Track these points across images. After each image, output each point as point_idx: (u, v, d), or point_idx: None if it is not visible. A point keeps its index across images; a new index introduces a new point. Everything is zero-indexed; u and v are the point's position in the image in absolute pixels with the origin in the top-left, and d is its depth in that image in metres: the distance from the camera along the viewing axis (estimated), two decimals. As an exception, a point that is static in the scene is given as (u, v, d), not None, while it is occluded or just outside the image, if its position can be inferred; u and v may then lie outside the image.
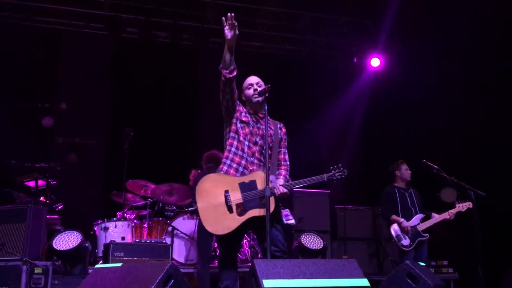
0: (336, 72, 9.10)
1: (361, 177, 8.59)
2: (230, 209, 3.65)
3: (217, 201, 3.66)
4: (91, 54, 8.15)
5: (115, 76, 8.29)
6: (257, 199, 3.64)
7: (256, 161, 3.82)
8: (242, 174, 3.78)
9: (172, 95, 8.44)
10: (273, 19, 8.55)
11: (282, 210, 3.89)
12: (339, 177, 3.87)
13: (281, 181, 3.86)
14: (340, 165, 3.90)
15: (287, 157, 4.04)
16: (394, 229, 5.97)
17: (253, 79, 4.00)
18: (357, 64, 9.24)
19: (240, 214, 3.64)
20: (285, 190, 3.73)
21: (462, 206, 5.79)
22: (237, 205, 3.66)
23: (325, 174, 3.87)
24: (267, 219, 3.42)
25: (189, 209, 5.39)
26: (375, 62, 9.09)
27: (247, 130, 3.87)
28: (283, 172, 3.95)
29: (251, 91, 3.93)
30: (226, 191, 3.68)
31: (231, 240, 3.78)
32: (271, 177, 3.78)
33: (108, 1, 7.92)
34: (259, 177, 3.71)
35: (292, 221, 3.91)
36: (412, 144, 7.77)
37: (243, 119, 3.89)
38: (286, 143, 4.06)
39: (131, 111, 8.11)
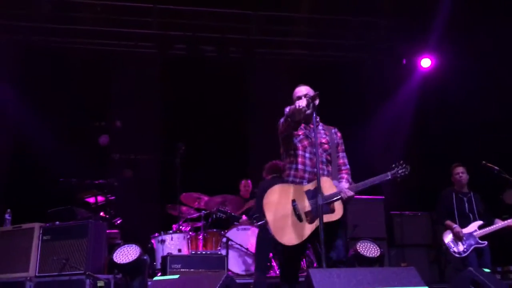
0: (385, 75, 8.92)
1: (416, 181, 8.33)
2: (299, 218, 3.64)
3: (285, 211, 3.66)
4: (142, 72, 8.44)
5: (166, 92, 8.53)
6: (325, 205, 3.58)
7: (319, 171, 3.76)
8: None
9: (221, 108, 8.57)
10: (318, 26, 8.51)
11: None
12: (402, 174, 3.79)
13: (345, 184, 3.80)
14: (401, 161, 3.82)
15: (346, 161, 3.98)
16: (446, 235, 5.75)
17: (301, 90, 3.95)
18: (406, 65, 9.03)
19: (311, 221, 3.61)
20: (352, 193, 3.68)
21: None
22: (306, 213, 3.64)
23: (389, 172, 3.80)
24: (320, 227, 3.37)
25: (259, 223, 5.39)
26: (425, 62, 8.85)
27: (305, 142, 3.84)
28: (345, 176, 3.89)
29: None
30: (293, 201, 3.67)
31: (298, 250, 3.74)
32: (334, 182, 3.75)
33: (156, 20, 8.17)
34: (324, 182, 3.66)
35: None
36: (469, 145, 7.48)
37: (299, 133, 3.87)
38: (343, 147, 4.00)
39: (182, 125, 8.31)
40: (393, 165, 3.81)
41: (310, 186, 3.71)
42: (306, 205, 3.65)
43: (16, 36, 8.03)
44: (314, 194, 3.64)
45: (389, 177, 3.78)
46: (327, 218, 3.54)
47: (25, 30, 7.97)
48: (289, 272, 3.84)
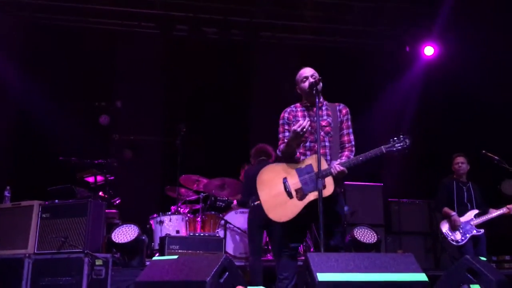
0: (388, 62, 8.87)
1: (416, 170, 8.35)
2: (290, 195, 3.67)
3: (277, 189, 3.70)
4: (144, 53, 8.39)
5: (168, 73, 8.48)
6: (315, 182, 3.55)
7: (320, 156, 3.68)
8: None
9: (223, 90, 8.53)
10: (323, 11, 8.42)
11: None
12: (400, 147, 3.58)
13: (337, 160, 3.68)
14: (401, 134, 3.62)
15: (351, 137, 3.85)
16: (443, 224, 5.79)
17: (307, 71, 3.91)
18: (410, 53, 8.98)
19: (300, 198, 3.63)
20: (342, 168, 3.56)
21: None
22: (296, 190, 3.66)
23: (383, 146, 3.61)
24: (319, 210, 3.35)
25: (255, 203, 5.36)
26: (429, 50, 8.79)
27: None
28: (346, 153, 3.78)
29: (306, 84, 3.83)
30: (284, 178, 3.71)
31: (294, 227, 3.74)
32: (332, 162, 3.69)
33: (159, 0, 8.09)
34: (314, 160, 3.62)
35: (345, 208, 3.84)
36: (469, 134, 7.46)
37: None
38: (349, 123, 3.87)
39: (183, 107, 8.28)
40: (391, 139, 3.62)
41: (301, 164, 3.72)
42: (295, 181, 3.67)
43: (20, 13, 7.99)
44: (305, 171, 3.66)
45: (383, 151, 3.58)
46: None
47: (30, 7, 7.94)
48: (286, 249, 3.80)
